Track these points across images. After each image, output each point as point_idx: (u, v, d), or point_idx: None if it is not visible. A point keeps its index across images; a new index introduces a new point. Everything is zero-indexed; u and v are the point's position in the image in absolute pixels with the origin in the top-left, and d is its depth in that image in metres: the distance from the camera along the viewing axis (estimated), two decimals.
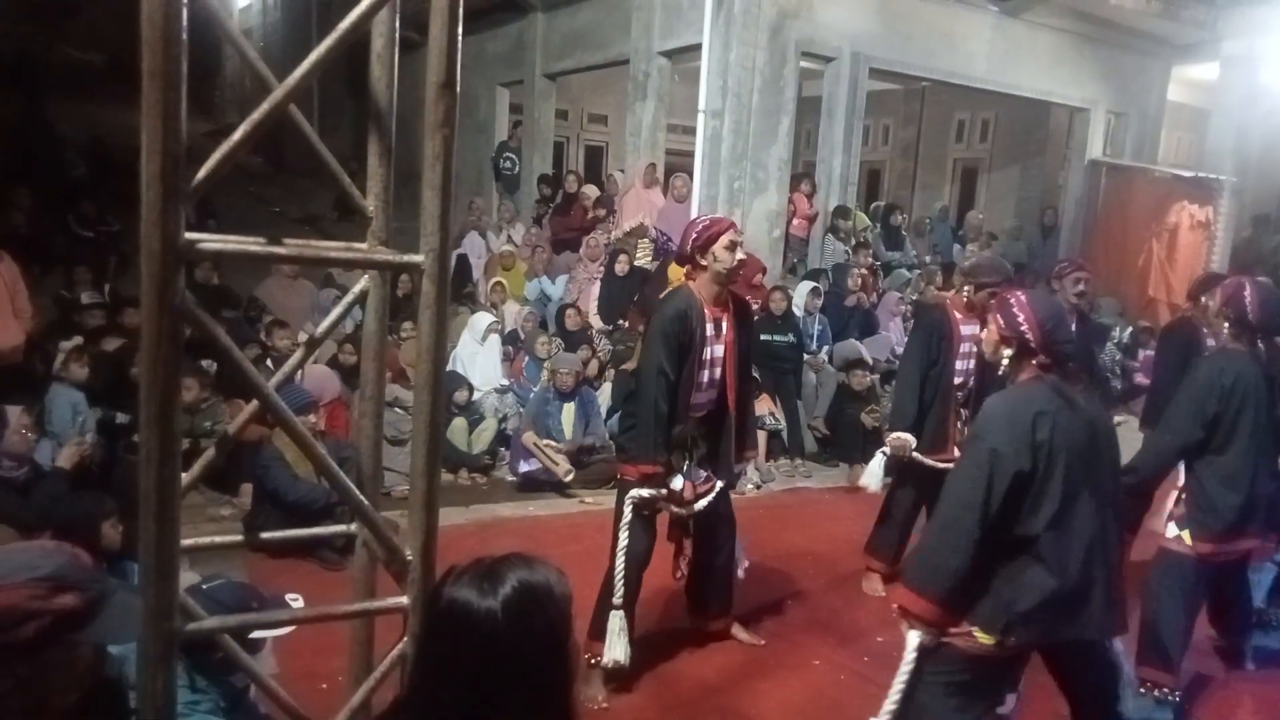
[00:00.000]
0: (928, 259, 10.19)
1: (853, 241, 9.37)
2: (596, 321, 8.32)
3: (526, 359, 7.42)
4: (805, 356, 7.73)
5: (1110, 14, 9.80)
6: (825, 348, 8.12)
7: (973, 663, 2.63)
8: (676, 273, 7.79)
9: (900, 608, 2.65)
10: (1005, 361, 2.75)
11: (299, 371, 5.24)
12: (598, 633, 3.46)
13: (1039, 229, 11.15)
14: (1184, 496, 3.59)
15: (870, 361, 7.73)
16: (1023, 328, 2.67)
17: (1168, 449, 3.56)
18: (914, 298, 8.99)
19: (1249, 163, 10.55)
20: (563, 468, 6.20)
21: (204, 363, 5.74)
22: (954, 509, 2.59)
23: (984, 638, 2.59)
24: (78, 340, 5.64)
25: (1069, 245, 10.84)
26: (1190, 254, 9.97)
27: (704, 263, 3.50)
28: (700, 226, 3.55)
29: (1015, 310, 2.71)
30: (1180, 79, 11.47)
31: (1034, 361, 2.67)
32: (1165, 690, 3.52)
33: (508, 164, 11.53)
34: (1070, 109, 11.02)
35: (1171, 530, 3.59)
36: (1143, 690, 3.51)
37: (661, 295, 3.74)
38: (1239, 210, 10.36)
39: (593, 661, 3.46)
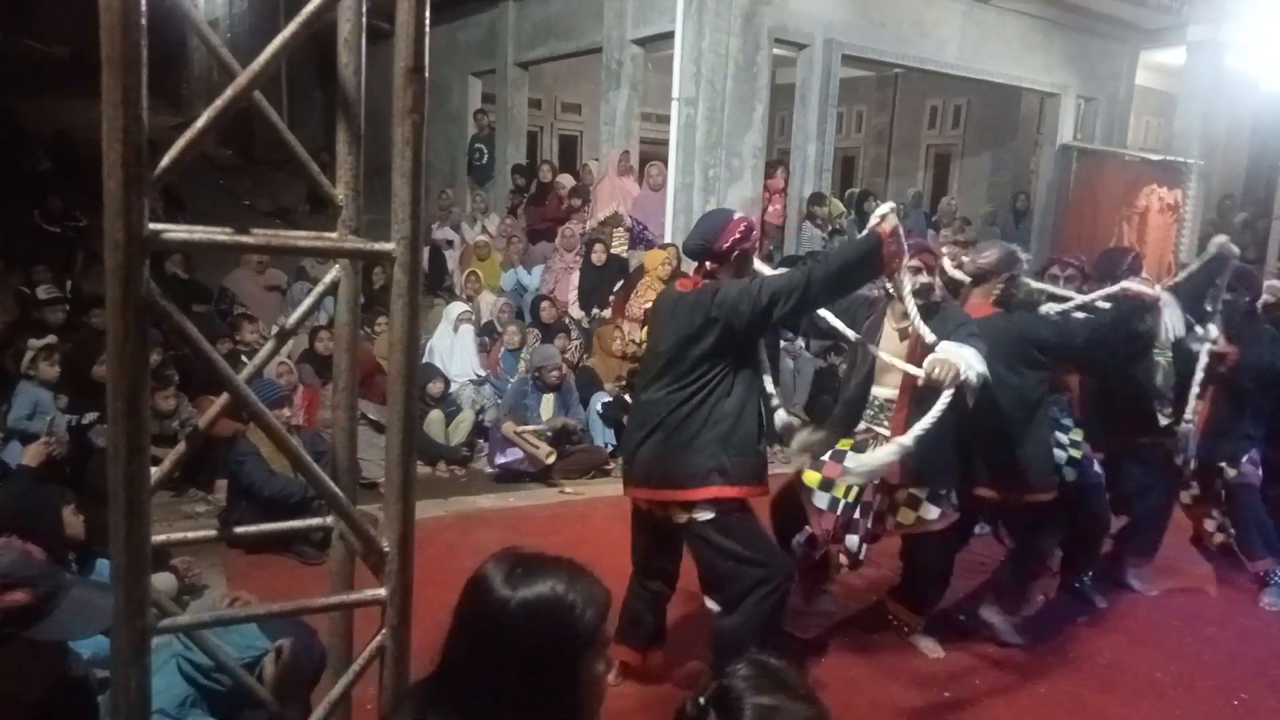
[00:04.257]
0: None
1: (829, 228, 9.40)
2: (575, 312, 8.31)
3: (503, 350, 7.41)
4: (782, 344, 7.76)
5: None
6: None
7: None
8: (653, 261, 7.84)
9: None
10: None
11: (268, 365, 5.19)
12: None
13: (1011, 214, 11.25)
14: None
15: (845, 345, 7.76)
16: None
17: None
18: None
19: (1215, 146, 10.67)
20: (544, 449, 6.22)
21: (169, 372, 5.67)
22: None
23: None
24: (50, 339, 5.54)
25: (1041, 229, 10.95)
26: (1160, 236, 10.09)
27: (736, 266, 3.24)
28: (742, 228, 3.21)
29: None
30: (1148, 64, 11.58)
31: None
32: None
33: (477, 155, 11.48)
34: (1041, 94, 11.09)
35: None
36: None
37: (705, 285, 3.24)
38: (1206, 193, 10.50)
39: None
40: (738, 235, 3.19)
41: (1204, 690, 3.77)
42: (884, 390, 3.72)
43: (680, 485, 3.12)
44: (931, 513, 3.61)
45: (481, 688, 1.38)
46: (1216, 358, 4.40)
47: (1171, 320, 3.81)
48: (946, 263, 4.35)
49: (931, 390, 3.24)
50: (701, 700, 1.27)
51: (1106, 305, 4.00)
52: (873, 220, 3.10)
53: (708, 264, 3.25)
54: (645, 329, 7.24)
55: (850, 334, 3.69)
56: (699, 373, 3.12)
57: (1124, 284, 3.95)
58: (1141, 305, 3.82)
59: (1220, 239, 4.29)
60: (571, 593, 1.40)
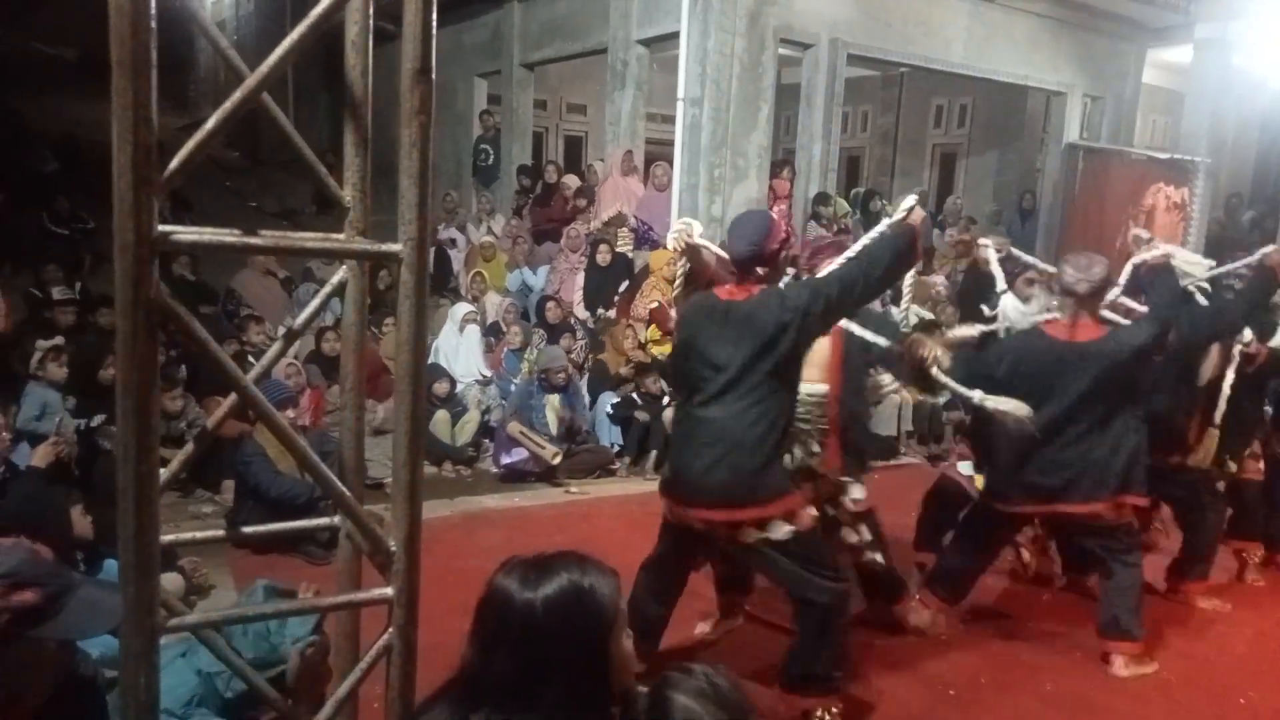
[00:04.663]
0: None
1: (835, 228, 9.40)
2: (580, 312, 8.32)
3: (505, 350, 7.43)
4: None
5: None
6: None
7: None
8: (658, 261, 7.82)
9: None
10: None
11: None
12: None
13: (1017, 213, 11.22)
14: None
15: None
16: None
17: None
18: None
19: (1223, 144, 10.65)
20: (550, 450, 6.23)
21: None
22: None
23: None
24: (58, 340, 5.57)
25: (1047, 229, 10.92)
26: (1167, 235, 10.04)
27: (783, 268, 3.27)
28: (785, 228, 3.22)
29: None
30: (1155, 62, 11.55)
31: None
32: None
33: (483, 156, 11.50)
34: (1047, 93, 11.06)
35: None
36: None
37: (761, 291, 3.14)
38: (1214, 191, 10.47)
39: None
40: (783, 235, 3.18)
41: (1211, 689, 3.77)
42: (805, 386, 3.52)
43: (763, 501, 3.02)
44: (858, 492, 3.68)
45: (531, 693, 1.40)
46: (1246, 358, 4.33)
47: (1186, 263, 3.74)
48: (991, 254, 4.25)
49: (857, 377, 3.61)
50: (649, 686, 1.39)
51: (1138, 307, 3.97)
52: (899, 213, 3.10)
53: (759, 269, 3.13)
54: (650, 328, 7.26)
55: (881, 341, 3.61)
56: (770, 386, 3.01)
57: (1133, 261, 3.95)
58: (1165, 269, 3.78)
59: (1269, 249, 4.21)
60: (587, 578, 1.46)
